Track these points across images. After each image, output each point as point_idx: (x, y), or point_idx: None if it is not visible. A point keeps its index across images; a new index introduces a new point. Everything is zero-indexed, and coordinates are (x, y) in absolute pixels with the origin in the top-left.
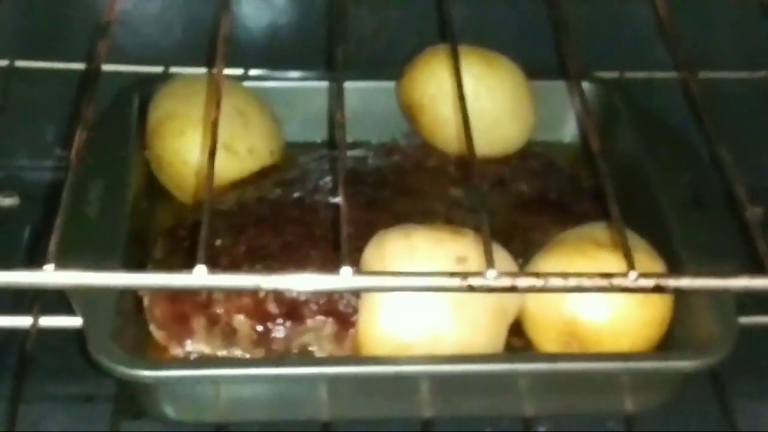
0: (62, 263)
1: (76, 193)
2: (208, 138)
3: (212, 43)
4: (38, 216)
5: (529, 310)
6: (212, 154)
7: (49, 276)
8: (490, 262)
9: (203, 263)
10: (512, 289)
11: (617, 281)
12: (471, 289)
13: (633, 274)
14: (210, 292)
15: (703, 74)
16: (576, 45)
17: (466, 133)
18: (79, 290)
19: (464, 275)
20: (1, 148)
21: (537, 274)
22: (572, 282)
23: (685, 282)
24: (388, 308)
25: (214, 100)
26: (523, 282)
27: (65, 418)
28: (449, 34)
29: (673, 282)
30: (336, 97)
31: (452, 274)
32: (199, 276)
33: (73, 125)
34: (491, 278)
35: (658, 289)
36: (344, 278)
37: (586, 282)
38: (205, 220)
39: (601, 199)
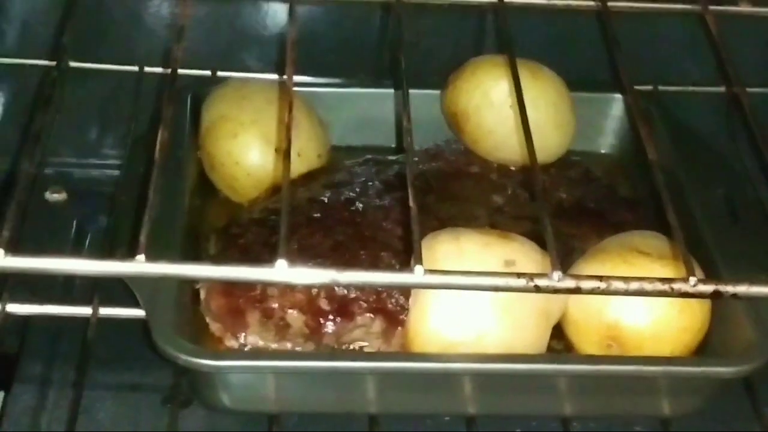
0: (149, 255)
1: (145, 190)
2: (260, 140)
3: (263, 49)
4: (84, 211)
5: (571, 314)
6: (287, 154)
7: (141, 266)
8: (555, 265)
9: (284, 258)
10: (576, 290)
11: (678, 286)
12: (537, 289)
13: (693, 280)
14: (264, 287)
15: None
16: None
17: (527, 140)
18: (144, 283)
19: (530, 276)
20: (50, 147)
21: (600, 278)
22: (634, 286)
23: (743, 288)
24: (439, 308)
25: (286, 105)
26: (586, 284)
27: (114, 405)
28: (506, 46)
29: (731, 288)
30: (403, 103)
31: (519, 275)
32: (281, 271)
33: (122, 125)
34: (556, 279)
35: (716, 295)
36: (417, 276)
37: (647, 286)
38: (284, 219)
39: (639, 207)
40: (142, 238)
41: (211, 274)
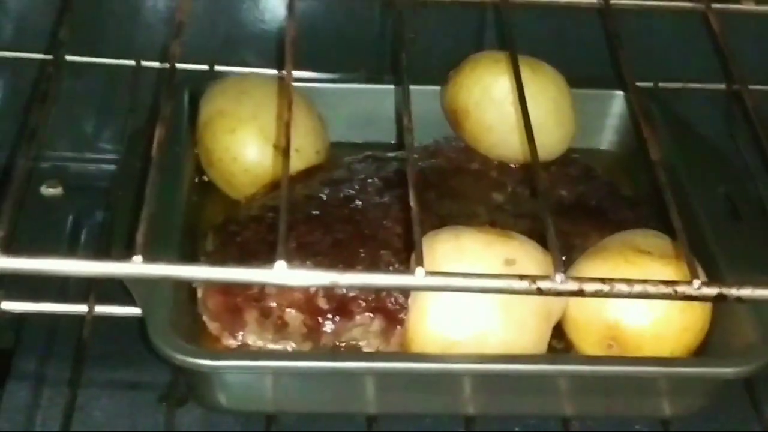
0: (147, 256)
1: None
2: (258, 135)
3: (262, 44)
4: (80, 206)
5: (571, 314)
6: (286, 152)
7: (138, 267)
8: (557, 267)
9: (284, 259)
10: (579, 293)
11: (681, 289)
12: (540, 292)
13: (696, 283)
14: (262, 285)
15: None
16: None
17: (529, 138)
18: (141, 282)
19: (533, 278)
20: (46, 141)
21: (603, 280)
22: (637, 288)
23: (747, 291)
24: (438, 307)
25: (286, 102)
26: (589, 287)
27: (111, 403)
28: (508, 42)
29: (735, 291)
30: (403, 102)
31: (521, 277)
32: (280, 272)
33: (119, 119)
34: (559, 282)
35: (720, 298)
36: (419, 278)
37: (650, 289)
38: (283, 219)
39: (640, 205)
40: (139, 238)
41: (211, 275)
